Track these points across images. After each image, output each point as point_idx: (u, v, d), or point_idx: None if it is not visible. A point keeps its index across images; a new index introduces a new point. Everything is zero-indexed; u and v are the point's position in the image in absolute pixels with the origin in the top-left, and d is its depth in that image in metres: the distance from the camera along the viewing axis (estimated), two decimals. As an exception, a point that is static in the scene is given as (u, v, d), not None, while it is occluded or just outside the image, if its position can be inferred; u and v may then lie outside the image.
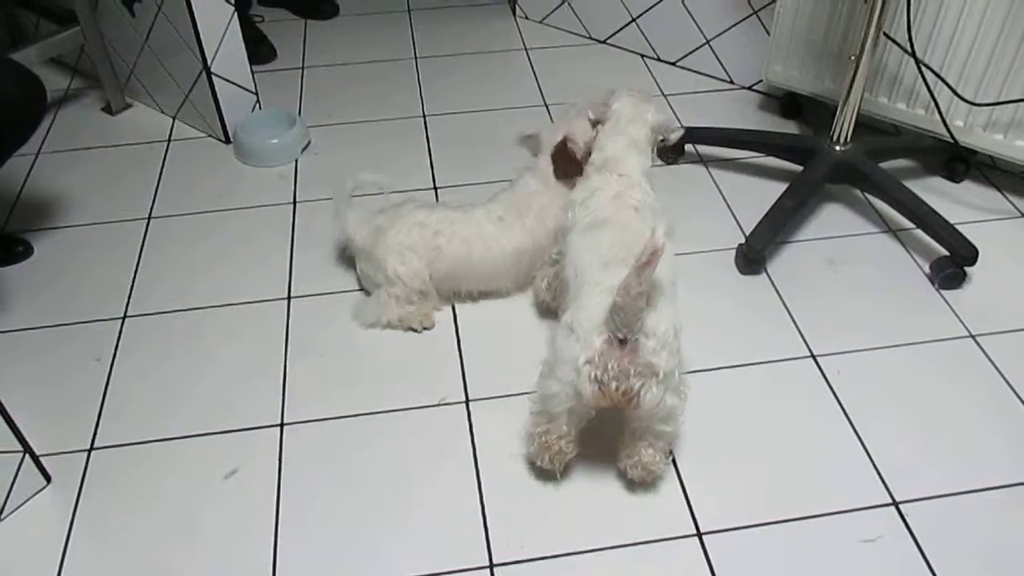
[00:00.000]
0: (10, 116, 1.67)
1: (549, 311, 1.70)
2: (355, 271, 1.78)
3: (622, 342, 1.23)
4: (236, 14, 2.13)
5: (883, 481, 1.41)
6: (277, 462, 1.46)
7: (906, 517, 1.36)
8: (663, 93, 2.41)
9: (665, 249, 1.14)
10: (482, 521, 1.37)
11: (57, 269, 1.88)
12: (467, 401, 1.56)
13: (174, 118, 2.35)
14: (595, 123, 1.64)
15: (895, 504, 1.38)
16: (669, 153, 2.12)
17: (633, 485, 1.41)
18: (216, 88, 2.16)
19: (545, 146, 1.72)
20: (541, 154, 1.73)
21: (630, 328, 1.22)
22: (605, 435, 1.50)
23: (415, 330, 1.69)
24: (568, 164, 1.66)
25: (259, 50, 2.56)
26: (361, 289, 1.78)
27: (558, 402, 1.30)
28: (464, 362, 1.64)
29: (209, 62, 2.11)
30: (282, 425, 1.52)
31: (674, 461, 1.45)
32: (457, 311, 1.74)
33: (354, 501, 1.40)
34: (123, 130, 2.32)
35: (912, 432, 1.49)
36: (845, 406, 1.53)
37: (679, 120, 2.30)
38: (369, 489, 1.42)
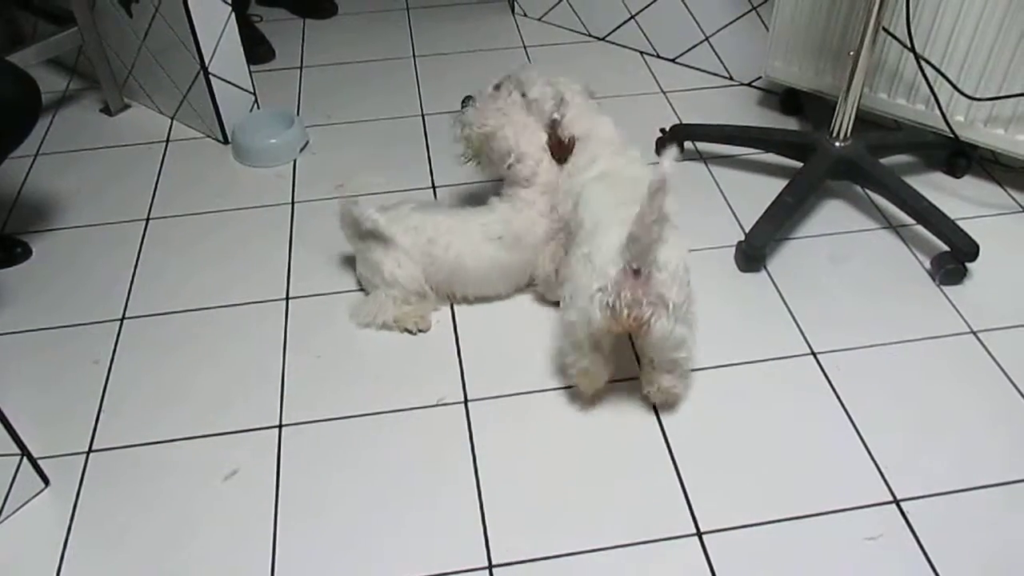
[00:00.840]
0: (6, 117, 1.67)
1: (547, 307, 1.70)
2: (354, 272, 1.78)
3: (636, 272, 1.32)
4: (234, 14, 2.12)
5: (884, 479, 1.40)
6: (276, 463, 1.46)
7: (907, 515, 1.35)
8: (662, 90, 2.41)
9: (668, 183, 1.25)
10: (481, 522, 1.36)
11: (55, 270, 1.87)
12: (466, 401, 1.55)
13: (172, 118, 2.34)
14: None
15: (896, 502, 1.37)
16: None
17: (635, 486, 1.40)
18: (214, 88, 2.16)
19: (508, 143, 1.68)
20: (521, 162, 1.67)
21: (644, 259, 1.31)
22: (605, 434, 1.50)
23: (410, 332, 1.68)
24: (564, 148, 1.67)
25: (257, 50, 2.56)
26: (360, 289, 1.78)
27: (577, 329, 1.41)
28: (463, 362, 1.63)
29: (207, 62, 2.11)
30: (281, 426, 1.52)
31: (673, 460, 1.44)
32: (456, 311, 1.74)
33: (353, 502, 1.40)
34: (121, 131, 2.32)
35: (913, 429, 1.48)
36: (845, 403, 1.53)
37: (678, 117, 2.29)
38: (368, 490, 1.42)
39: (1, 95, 1.65)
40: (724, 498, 1.38)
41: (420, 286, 1.68)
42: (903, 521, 1.34)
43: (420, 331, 1.69)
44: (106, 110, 2.38)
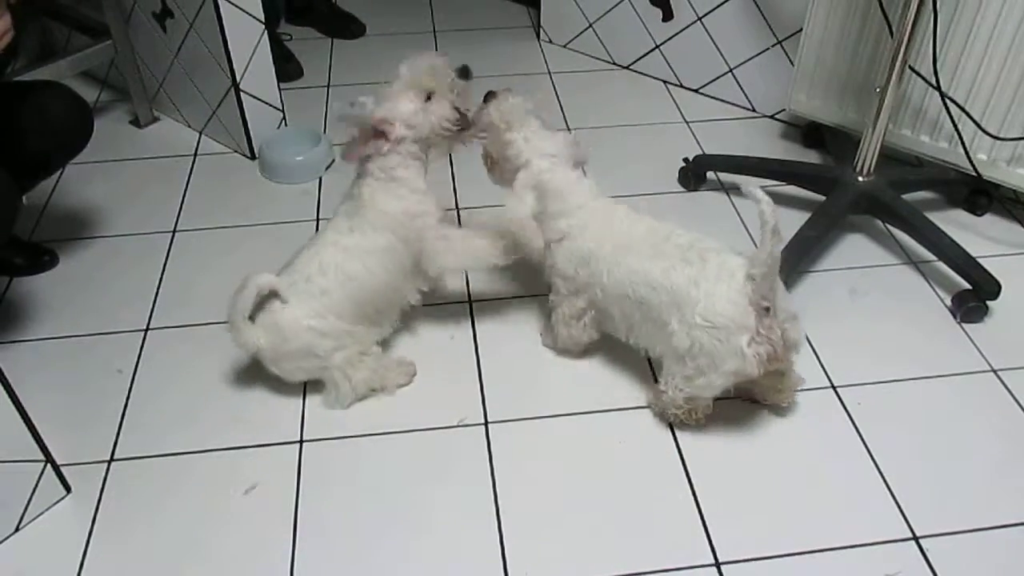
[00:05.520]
0: (60, 141, 1.74)
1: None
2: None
3: (766, 311, 1.34)
4: (266, 32, 2.16)
5: (903, 515, 1.40)
6: (296, 479, 1.47)
7: (926, 552, 1.35)
8: (685, 120, 2.43)
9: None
10: (499, 544, 1.36)
11: (82, 279, 1.90)
12: (486, 423, 1.56)
13: (201, 133, 2.37)
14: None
15: (915, 538, 1.37)
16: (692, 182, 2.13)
17: (654, 514, 1.41)
18: (244, 105, 2.19)
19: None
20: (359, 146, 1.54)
21: (771, 294, 1.34)
22: (625, 461, 1.50)
23: (402, 384, 1.63)
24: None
25: (286, 68, 2.59)
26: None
27: (719, 389, 1.42)
28: (484, 384, 1.64)
29: (238, 79, 2.14)
30: (301, 442, 1.53)
31: (692, 489, 1.44)
32: (477, 332, 1.75)
33: (372, 520, 1.41)
34: (150, 144, 2.35)
35: (933, 466, 1.48)
36: (865, 438, 1.53)
37: (700, 147, 2.31)
38: (387, 509, 1.42)
39: (58, 118, 1.70)
40: (743, 529, 1.38)
41: (345, 328, 1.53)
42: (922, 558, 1.34)
43: (400, 386, 1.62)
44: (136, 122, 2.42)
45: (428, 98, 1.54)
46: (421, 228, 1.55)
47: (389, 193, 1.54)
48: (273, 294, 1.50)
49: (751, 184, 1.33)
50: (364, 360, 1.57)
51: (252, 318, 1.50)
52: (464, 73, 1.61)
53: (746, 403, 1.58)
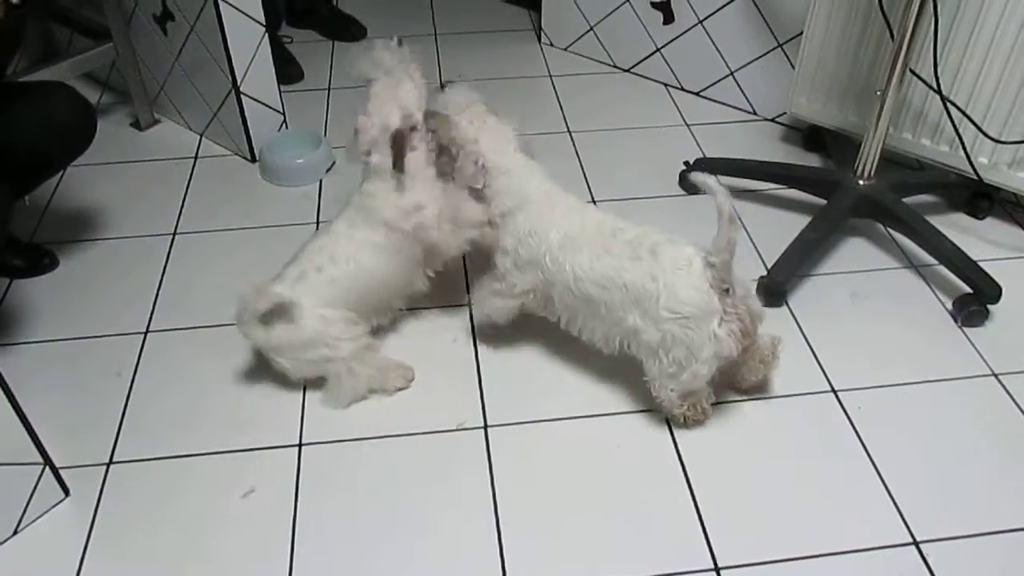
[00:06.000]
0: (64, 142, 1.75)
1: (569, 339, 1.70)
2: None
3: (726, 292, 1.38)
4: (267, 35, 2.16)
5: (904, 520, 1.40)
6: (294, 483, 1.46)
7: (927, 557, 1.34)
8: (686, 122, 2.42)
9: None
10: (498, 548, 1.36)
11: (82, 282, 1.90)
12: (485, 427, 1.56)
13: (201, 135, 2.37)
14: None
15: (915, 543, 1.36)
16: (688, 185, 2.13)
17: (653, 519, 1.40)
18: (244, 107, 2.19)
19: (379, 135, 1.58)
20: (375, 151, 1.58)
21: (731, 277, 1.38)
22: (624, 465, 1.50)
23: (402, 388, 1.63)
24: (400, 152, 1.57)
25: (287, 70, 2.59)
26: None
27: (706, 377, 1.43)
28: (483, 388, 1.64)
29: (239, 82, 2.14)
30: (300, 445, 1.53)
31: (692, 493, 1.44)
32: (477, 336, 1.74)
33: (370, 524, 1.40)
34: (151, 146, 2.35)
35: (934, 471, 1.48)
36: (866, 442, 1.52)
37: (701, 149, 2.31)
38: (386, 512, 1.42)
39: (64, 120, 1.72)
40: (742, 534, 1.38)
41: (353, 318, 1.56)
42: (923, 563, 1.33)
43: (399, 389, 1.62)
44: (136, 125, 2.42)
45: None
46: (422, 223, 1.57)
47: (394, 191, 1.57)
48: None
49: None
50: (368, 356, 1.58)
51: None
52: (400, 41, 1.69)
53: (746, 406, 1.58)
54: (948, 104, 1.82)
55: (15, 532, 1.39)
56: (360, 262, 1.56)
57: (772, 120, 2.42)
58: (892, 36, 1.79)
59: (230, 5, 2.04)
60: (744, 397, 1.60)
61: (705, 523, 1.39)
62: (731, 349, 1.39)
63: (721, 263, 1.37)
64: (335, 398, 1.59)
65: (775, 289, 1.79)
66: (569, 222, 1.51)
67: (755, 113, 2.45)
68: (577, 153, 2.30)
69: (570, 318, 1.56)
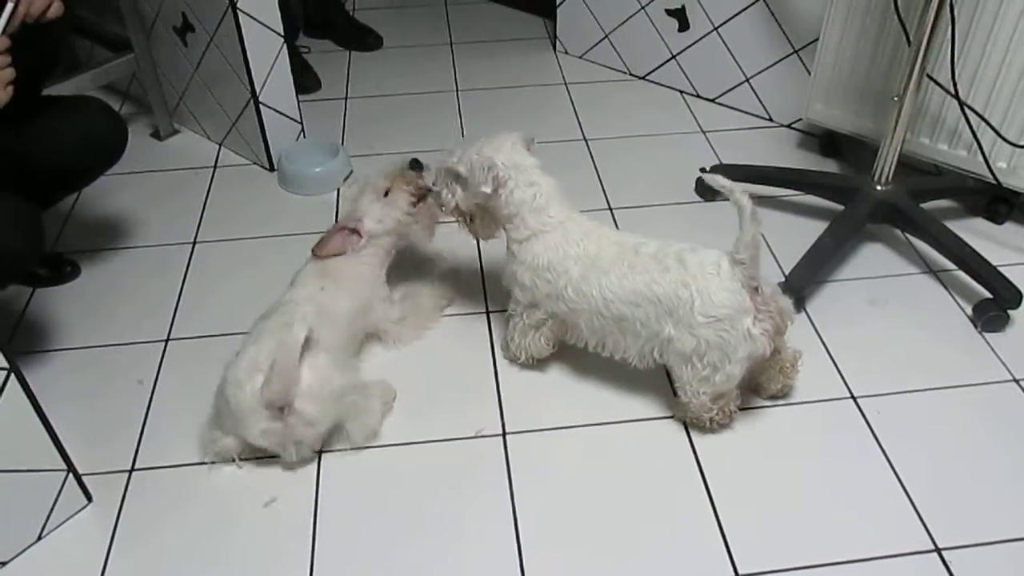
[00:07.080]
0: (99, 155, 1.78)
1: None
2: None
3: (755, 289, 1.40)
4: (285, 45, 2.18)
5: (925, 526, 1.39)
6: (315, 492, 1.47)
7: (949, 564, 1.33)
8: (702, 129, 2.42)
9: None
10: (517, 555, 1.36)
11: (103, 290, 1.92)
12: (504, 434, 1.56)
13: (220, 145, 2.40)
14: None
15: (938, 550, 1.35)
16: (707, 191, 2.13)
17: (672, 526, 1.40)
18: (263, 117, 2.21)
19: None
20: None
21: (758, 274, 1.40)
22: (643, 473, 1.49)
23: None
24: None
25: (304, 80, 2.61)
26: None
27: (738, 378, 1.44)
28: (501, 395, 1.64)
29: (258, 92, 2.16)
30: (320, 452, 1.53)
31: (712, 501, 1.44)
32: (495, 343, 1.75)
33: (390, 531, 1.41)
34: (170, 155, 2.38)
35: (955, 477, 1.47)
36: (886, 448, 1.51)
37: (717, 156, 2.31)
38: (405, 521, 1.43)
39: (98, 134, 1.75)
40: (762, 541, 1.38)
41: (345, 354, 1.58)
42: (945, 570, 1.33)
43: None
44: (156, 135, 2.44)
45: (386, 194, 1.71)
46: (371, 298, 1.69)
47: (354, 266, 1.68)
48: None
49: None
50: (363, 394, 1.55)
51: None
52: (415, 165, 1.80)
53: (764, 412, 1.57)
54: (966, 108, 1.82)
55: (39, 538, 1.40)
56: (328, 313, 1.56)
57: (788, 126, 2.42)
58: (909, 41, 1.79)
59: (249, 16, 2.06)
60: (763, 403, 1.60)
61: (725, 530, 1.39)
62: (765, 347, 1.41)
63: (749, 259, 1.38)
64: (366, 429, 1.54)
65: (793, 295, 1.78)
66: (586, 249, 1.49)
67: (771, 119, 2.45)
68: (593, 160, 2.30)
69: (599, 341, 1.54)
